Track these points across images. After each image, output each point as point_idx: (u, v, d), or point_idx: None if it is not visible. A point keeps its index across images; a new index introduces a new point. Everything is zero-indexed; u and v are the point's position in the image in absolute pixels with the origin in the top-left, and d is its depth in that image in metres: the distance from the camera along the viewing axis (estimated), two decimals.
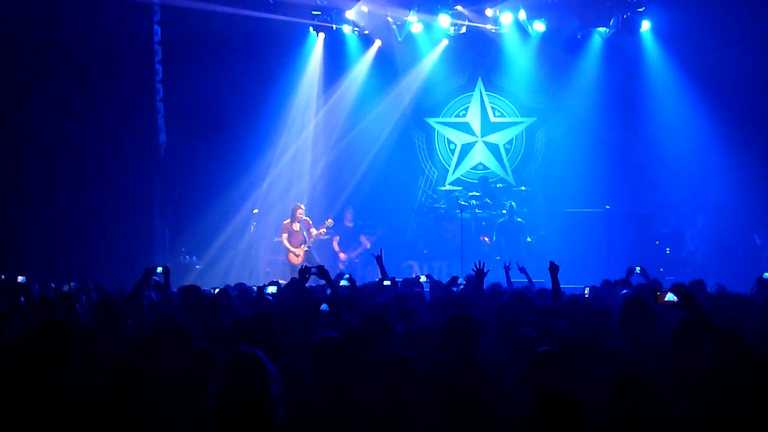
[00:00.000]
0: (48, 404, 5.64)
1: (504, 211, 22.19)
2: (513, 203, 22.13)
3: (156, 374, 6.44)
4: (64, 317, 9.74)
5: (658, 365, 7.48)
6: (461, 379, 6.11)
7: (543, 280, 14.45)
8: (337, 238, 22.17)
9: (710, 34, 21.41)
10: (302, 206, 21.20)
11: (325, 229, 21.31)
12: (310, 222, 21.14)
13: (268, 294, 12.17)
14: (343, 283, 12.74)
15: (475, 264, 11.28)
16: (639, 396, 6.00)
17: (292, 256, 20.88)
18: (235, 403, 5.19)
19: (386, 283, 12.55)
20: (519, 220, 22.01)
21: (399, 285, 13.16)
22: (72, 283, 14.01)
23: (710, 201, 21.84)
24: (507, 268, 14.04)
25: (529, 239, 21.79)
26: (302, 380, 7.27)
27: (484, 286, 11.80)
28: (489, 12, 22.62)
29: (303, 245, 20.85)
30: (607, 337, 8.28)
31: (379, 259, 13.24)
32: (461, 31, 23.24)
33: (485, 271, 11.21)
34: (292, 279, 13.84)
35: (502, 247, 21.60)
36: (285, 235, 21.03)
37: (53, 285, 13.83)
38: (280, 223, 21.69)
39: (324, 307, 9.53)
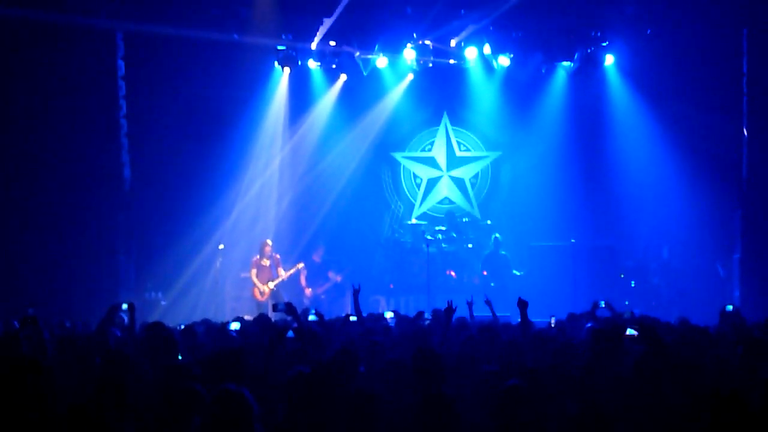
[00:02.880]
0: None
1: (469, 245, 22.27)
2: (498, 236, 22.17)
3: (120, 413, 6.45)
4: (29, 354, 9.63)
5: (621, 397, 7.50)
6: (428, 411, 6.12)
7: (509, 314, 14.48)
8: (305, 272, 22.07)
9: (673, 67, 21.67)
10: (270, 242, 21.18)
11: (303, 279, 21.43)
12: (279, 259, 21.13)
13: (231, 330, 12.13)
14: (311, 317, 12.70)
15: (448, 302, 11.34)
16: (602, 427, 6.02)
17: (257, 293, 20.83)
18: None
19: (352, 318, 12.52)
20: (503, 253, 22.03)
21: (364, 321, 13.15)
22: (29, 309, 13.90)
23: (674, 233, 21.98)
24: (470, 304, 14.06)
25: (516, 273, 21.79)
26: (270, 415, 7.25)
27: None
28: (453, 43, 22.66)
29: (270, 282, 20.79)
30: (572, 369, 8.30)
31: (356, 293, 13.22)
32: (427, 66, 23.37)
33: (453, 308, 11.27)
34: (260, 314, 13.82)
35: (489, 280, 21.65)
36: (254, 271, 20.99)
37: (17, 324, 13.69)
38: (246, 258, 21.65)
39: (290, 333, 9.53)
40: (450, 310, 11.24)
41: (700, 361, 8.28)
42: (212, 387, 6.98)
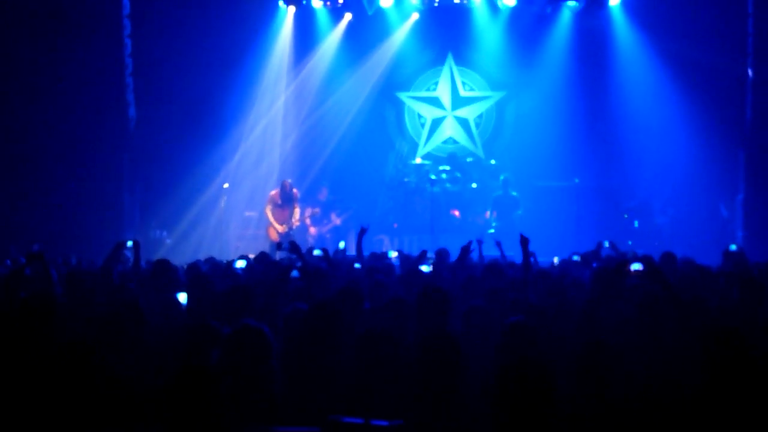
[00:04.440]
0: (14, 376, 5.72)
1: (473, 185, 22.31)
2: (507, 175, 22.15)
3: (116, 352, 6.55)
4: (38, 291, 9.71)
5: (624, 335, 7.57)
6: (431, 349, 6.18)
7: (513, 253, 14.55)
8: (313, 211, 22.01)
9: (679, 7, 21.54)
10: (290, 181, 21.25)
11: (309, 219, 21.45)
12: (297, 194, 21.13)
13: (237, 268, 12.21)
14: (316, 252, 12.75)
15: (468, 242, 11.47)
16: (605, 365, 6.08)
17: (272, 232, 20.78)
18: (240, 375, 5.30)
19: (356, 266, 12.56)
20: (514, 194, 21.99)
21: (367, 260, 13.25)
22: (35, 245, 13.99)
23: (677, 173, 21.96)
24: (479, 242, 14.14)
25: (519, 212, 21.82)
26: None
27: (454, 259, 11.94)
28: None
29: (284, 225, 20.78)
30: (575, 307, 8.36)
31: (362, 233, 13.30)
32: (432, 5, 23.30)
33: (472, 249, 11.40)
34: (261, 252, 13.88)
35: (495, 220, 21.71)
36: (269, 207, 20.95)
37: (23, 260, 13.77)
38: (252, 197, 21.70)
39: (294, 273, 9.60)
40: (467, 249, 11.33)
41: (703, 300, 8.34)
42: (222, 324, 7.07)
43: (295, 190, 21.21)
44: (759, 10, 20.61)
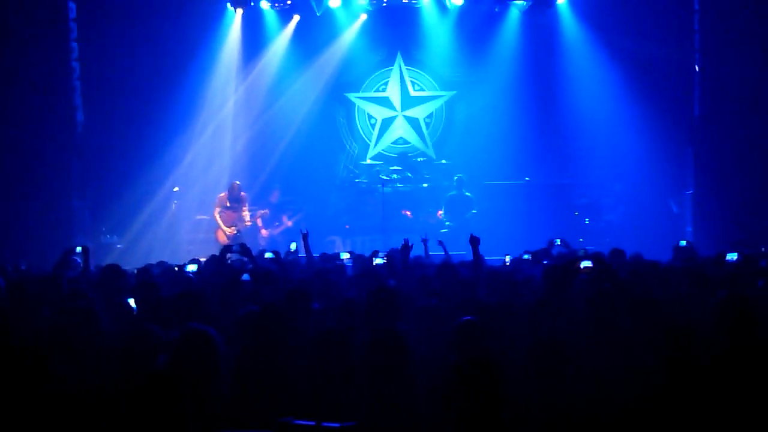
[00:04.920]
0: None
1: (424, 185, 22.40)
2: (461, 176, 22.19)
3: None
4: None
5: (575, 330, 7.60)
6: (379, 347, 6.19)
7: (464, 252, 14.58)
8: (262, 213, 21.95)
9: (625, 5, 21.76)
10: (238, 183, 21.12)
11: (260, 220, 21.40)
12: (246, 197, 21.05)
13: (189, 272, 12.15)
14: (268, 255, 12.72)
15: (405, 240, 11.48)
16: (556, 361, 6.12)
17: (221, 235, 20.71)
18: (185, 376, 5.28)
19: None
20: (468, 194, 22.05)
21: (318, 260, 13.27)
22: None
23: (627, 170, 22.12)
24: (425, 241, 14.21)
25: (474, 211, 21.86)
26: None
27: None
28: None
29: (233, 227, 20.70)
30: (526, 305, 8.39)
31: (305, 237, 13.31)
32: (381, 5, 23.35)
33: (410, 245, 11.40)
34: (212, 256, 13.83)
35: (444, 220, 21.76)
36: (218, 209, 20.85)
37: None
38: (202, 201, 21.63)
39: (245, 276, 9.57)
40: (407, 247, 11.35)
41: (653, 295, 8.40)
42: (171, 329, 7.03)
43: (243, 193, 21.14)
44: (705, 6, 20.79)
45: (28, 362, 5.98)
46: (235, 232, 20.62)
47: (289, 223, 22.11)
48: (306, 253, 13.33)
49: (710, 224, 20.10)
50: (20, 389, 5.85)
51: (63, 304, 8.87)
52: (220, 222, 20.74)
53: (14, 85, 20.18)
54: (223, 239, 20.41)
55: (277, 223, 22.23)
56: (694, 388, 6.00)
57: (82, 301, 8.73)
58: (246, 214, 20.86)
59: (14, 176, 20.33)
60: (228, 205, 20.80)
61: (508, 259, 14.27)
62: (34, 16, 20.26)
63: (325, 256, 14.19)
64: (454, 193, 22.09)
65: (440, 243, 14.16)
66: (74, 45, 21.14)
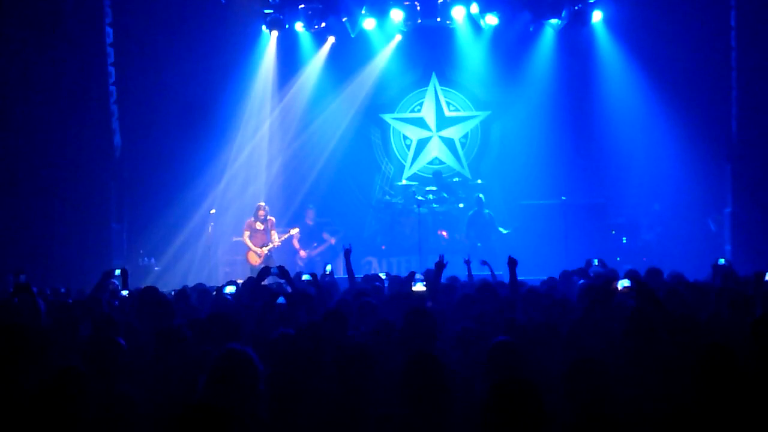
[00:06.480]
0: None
1: (460, 205, 22.36)
2: (481, 195, 22.12)
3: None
4: (23, 321, 9.67)
5: (613, 353, 7.55)
6: (416, 369, 6.16)
7: (502, 272, 14.54)
8: (298, 235, 21.95)
9: (661, 23, 21.67)
10: (265, 206, 21.00)
11: (296, 242, 21.48)
12: (273, 222, 20.98)
13: (227, 294, 12.17)
14: (305, 277, 12.68)
15: (440, 257, 11.39)
16: (594, 382, 6.07)
17: (252, 256, 20.62)
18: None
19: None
20: (487, 212, 22.01)
21: (359, 281, 13.23)
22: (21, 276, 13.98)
23: (665, 189, 22.02)
24: (467, 263, 14.14)
25: (504, 231, 21.80)
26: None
27: (443, 280, 11.90)
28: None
29: (264, 247, 20.66)
30: (564, 326, 8.35)
31: (347, 253, 13.22)
32: (415, 26, 23.38)
33: (444, 263, 11.32)
34: (249, 278, 13.83)
35: (474, 240, 21.65)
36: (247, 233, 20.78)
37: (11, 289, 13.70)
38: (238, 223, 21.64)
39: (281, 299, 9.56)
40: (441, 264, 11.28)
41: (693, 316, 8.33)
42: (208, 350, 7.05)
43: (270, 218, 21.02)
44: (741, 22, 20.66)
45: (67, 383, 6.02)
46: (266, 252, 20.58)
47: (332, 240, 22.07)
48: (348, 272, 13.21)
49: (749, 243, 19.94)
50: (59, 410, 5.89)
51: (102, 325, 8.94)
52: (249, 244, 20.68)
53: (53, 111, 20.33)
54: (254, 261, 20.40)
55: (315, 244, 22.23)
56: (734, 411, 5.94)
57: (112, 328, 8.75)
58: (274, 235, 20.79)
59: (54, 200, 20.46)
60: (257, 228, 20.75)
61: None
62: (72, 41, 20.43)
63: (367, 277, 14.17)
64: (473, 212, 22.02)
65: (484, 262, 14.12)
66: (111, 69, 21.27)
